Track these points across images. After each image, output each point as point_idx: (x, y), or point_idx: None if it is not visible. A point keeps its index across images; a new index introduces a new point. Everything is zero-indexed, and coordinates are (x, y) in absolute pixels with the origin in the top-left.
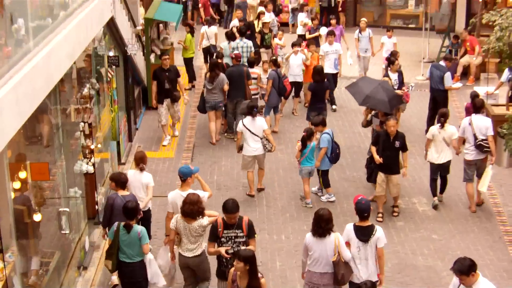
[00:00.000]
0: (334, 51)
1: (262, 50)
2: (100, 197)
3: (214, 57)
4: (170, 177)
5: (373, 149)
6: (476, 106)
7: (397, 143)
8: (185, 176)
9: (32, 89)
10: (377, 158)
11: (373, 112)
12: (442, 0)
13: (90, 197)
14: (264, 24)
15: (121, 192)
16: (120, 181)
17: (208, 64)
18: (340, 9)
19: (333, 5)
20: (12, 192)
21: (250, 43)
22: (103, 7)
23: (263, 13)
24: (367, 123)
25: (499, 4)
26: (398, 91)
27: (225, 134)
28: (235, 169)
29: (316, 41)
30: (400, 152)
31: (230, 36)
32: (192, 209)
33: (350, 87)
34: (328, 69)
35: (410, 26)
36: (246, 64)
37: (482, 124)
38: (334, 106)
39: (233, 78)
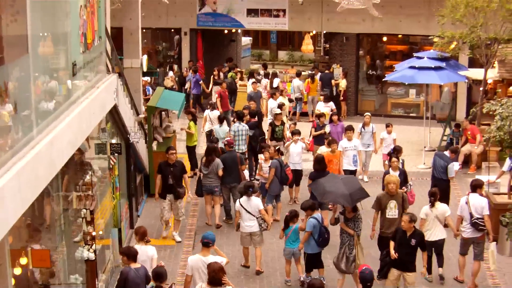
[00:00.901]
0: (353, 147)
1: (273, 143)
2: (101, 284)
3: (210, 141)
4: (171, 265)
5: (391, 244)
6: (472, 185)
7: (413, 241)
8: (212, 242)
9: (35, 176)
10: (393, 254)
11: (341, 209)
12: (442, 89)
13: (90, 284)
14: (275, 116)
15: (133, 265)
16: (131, 254)
17: (205, 148)
18: (341, 98)
19: (334, 94)
20: (13, 278)
21: (247, 126)
22: (106, 95)
23: (282, 107)
24: (335, 221)
25: (500, 93)
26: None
27: (224, 219)
28: (237, 257)
29: (321, 139)
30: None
31: (222, 120)
32: (215, 276)
33: (312, 184)
34: (347, 166)
35: (411, 115)
36: (243, 149)
37: (478, 204)
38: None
39: (226, 164)
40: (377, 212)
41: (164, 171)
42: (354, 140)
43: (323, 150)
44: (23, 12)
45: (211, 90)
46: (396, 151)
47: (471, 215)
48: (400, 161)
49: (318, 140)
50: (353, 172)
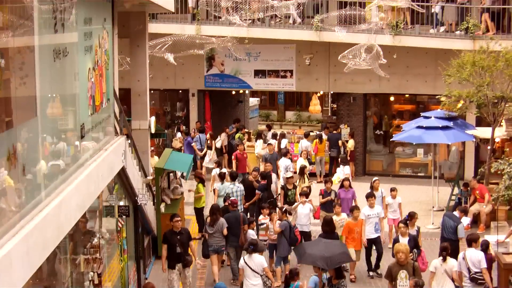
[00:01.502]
0: (375, 215)
1: (286, 206)
2: None
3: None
4: None
5: None
6: (468, 239)
7: None
8: None
9: (43, 239)
10: None
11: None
12: (450, 149)
13: None
14: (287, 179)
15: None
16: None
17: (209, 208)
18: (349, 158)
19: (342, 154)
20: None
21: (241, 187)
22: (114, 157)
23: (304, 169)
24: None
25: (507, 152)
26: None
27: (232, 281)
28: None
29: (329, 206)
30: None
31: (223, 177)
32: None
33: (296, 248)
34: (369, 234)
35: (419, 174)
36: (239, 209)
37: (475, 257)
38: (371, 273)
39: (230, 223)
40: (390, 282)
41: (171, 240)
42: (377, 207)
43: (345, 218)
44: (32, 75)
45: (205, 153)
46: (410, 217)
47: (469, 270)
48: (415, 228)
49: (326, 206)
50: (375, 240)
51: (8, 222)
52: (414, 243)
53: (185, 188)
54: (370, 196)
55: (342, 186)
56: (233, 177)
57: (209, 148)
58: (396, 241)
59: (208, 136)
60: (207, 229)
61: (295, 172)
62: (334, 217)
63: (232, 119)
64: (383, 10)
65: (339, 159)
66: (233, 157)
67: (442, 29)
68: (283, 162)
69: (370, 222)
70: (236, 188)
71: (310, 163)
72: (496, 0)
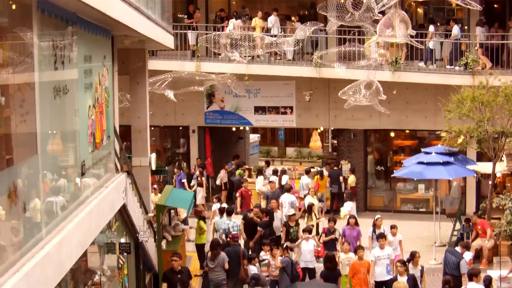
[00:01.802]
0: (386, 256)
1: (288, 243)
2: None
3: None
4: None
5: None
6: (468, 274)
7: None
8: None
9: (44, 277)
10: None
11: None
12: (451, 184)
13: None
14: (289, 217)
15: None
16: None
17: (210, 243)
18: None
19: (343, 190)
20: None
21: (238, 222)
22: (115, 194)
23: (312, 207)
24: None
25: (509, 187)
26: None
27: None
28: None
29: (332, 244)
30: None
31: (223, 212)
32: None
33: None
34: (381, 276)
35: (420, 210)
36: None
37: None
38: None
39: (230, 258)
40: None
41: (171, 279)
42: (387, 248)
43: (352, 257)
44: (32, 112)
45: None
46: (412, 257)
47: None
48: (419, 267)
49: (329, 245)
50: (387, 282)
51: (8, 260)
52: (413, 282)
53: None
54: (380, 237)
55: (347, 223)
56: (229, 213)
57: (200, 185)
58: (394, 280)
59: (197, 173)
60: (208, 264)
61: (299, 209)
62: (342, 255)
63: (233, 155)
64: (382, 46)
65: (345, 195)
66: (237, 194)
67: (432, 66)
68: (287, 198)
69: (381, 264)
70: (232, 224)
71: (320, 200)
72: (491, 36)
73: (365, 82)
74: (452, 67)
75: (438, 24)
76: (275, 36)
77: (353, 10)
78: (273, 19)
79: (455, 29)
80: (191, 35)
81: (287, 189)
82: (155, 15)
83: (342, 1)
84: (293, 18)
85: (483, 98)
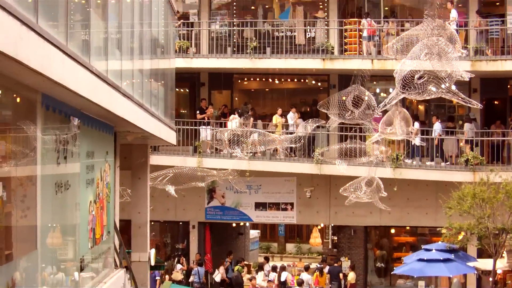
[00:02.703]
0: None
1: None
2: None
3: None
4: None
5: None
6: None
7: None
8: None
9: None
10: None
11: None
12: (452, 281)
13: None
14: None
15: None
16: None
17: None
18: None
19: (343, 287)
20: None
21: None
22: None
23: None
24: None
25: (509, 284)
26: None
27: None
28: None
29: None
30: None
31: None
32: None
33: None
34: None
35: None
36: None
37: None
38: None
39: None
40: None
41: None
42: None
43: None
44: (33, 208)
45: None
46: None
47: None
48: None
49: None
50: None
51: None
52: None
53: None
54: None
55: None
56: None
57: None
58: None
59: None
60: None
61: None
62: None
63: (233, 251)
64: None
65: None
66: None
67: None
68: None
69: None
70: None
71: None
72: (492, 133)
73: (366, 179)
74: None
75: (439, 120)
76: (291, 133)
77: (353, 108)
78: (292, 116)
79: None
80: (202, 131)
81: (299, 283)
82: (158, 111)
83: (344, 98)
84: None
85: (484, 194)
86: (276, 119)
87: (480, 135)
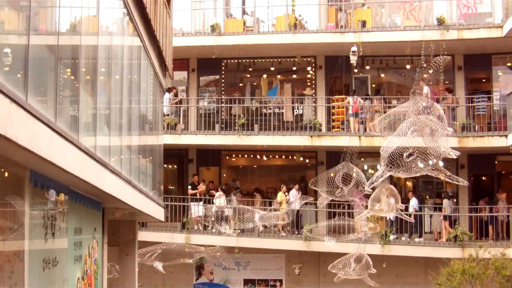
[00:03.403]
0: None
1: None
2: None
3: None
4: None
5: None
6: None
7: None
8: None
9: None
10: None
11: None
12: None
13: None
14: None
15: None
16: None
17: None
18: None
19: None
20: None
21: None
22: None
23: None
24: None
25: None
26: None
27: None
28: None
29: None
30: None
31: None
32: None
33: None
34: None
35: None
36: None
37: None
38: None
39: None
40: None
41: None
42: None
43: None
44: (21, 284)
45: None
46: None
47: None
48: None
49: None
50: None
51: None
52: None
53: None
54: None
55: None
56: None
57: None
58: None
59: None
60: None
61: None
62: None
63: None
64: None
65: None
66: None
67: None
68: None
69: None
70: None
71: None
72: (480, 209)
73: (355, 255)
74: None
75: (427, 197)
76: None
77: (342, 185)
78: (294, 193)
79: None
80: (194, 207)
81: None
82: (146, 187)
83: (332, 175)
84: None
85: (473, 271)
86: (281, 196)
87: (468, 211)
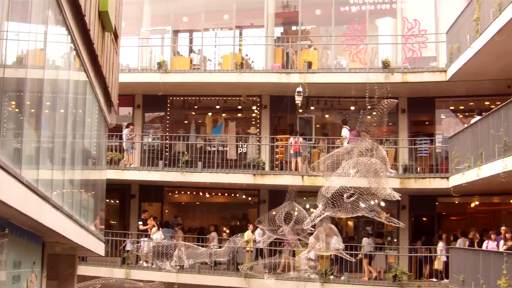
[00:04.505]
0: None
1: None
2: None
3: None
4: None
5: None
6: None
7: None
8: None
9: None
10: None
11: None
12: None
13: None
14: None
15: None
16: None
17: None
18: None
19: None
20: None
21: None
22: None
23: None
24: None
25: None
26: None
27: None
28: None
29: None
30: None
31: None
32: None
33: None
34: None
35: None
36: None
37: None
38: None
39: None
40: None
41: None
42: None
43: None
44: None
45: None
46: None
47: None
48: None
49: None
50: None
51: None
52: None
53: None
54: None
55: None
56: None
57: None
58: None
59: None
60: None
61: None
62: None
63: None
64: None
65: None
66: None
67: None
68: None
69: None
70: None
71: None
72: (417, 249)
73: None
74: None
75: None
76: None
77: (284, 224)
78: (260, 232)
79: None
80: (143, 243)
81: None
82: (87, 222)
83: (274, 213)
84: (225, 228)
85: None
86: (248, 235)
87: (408, 251)
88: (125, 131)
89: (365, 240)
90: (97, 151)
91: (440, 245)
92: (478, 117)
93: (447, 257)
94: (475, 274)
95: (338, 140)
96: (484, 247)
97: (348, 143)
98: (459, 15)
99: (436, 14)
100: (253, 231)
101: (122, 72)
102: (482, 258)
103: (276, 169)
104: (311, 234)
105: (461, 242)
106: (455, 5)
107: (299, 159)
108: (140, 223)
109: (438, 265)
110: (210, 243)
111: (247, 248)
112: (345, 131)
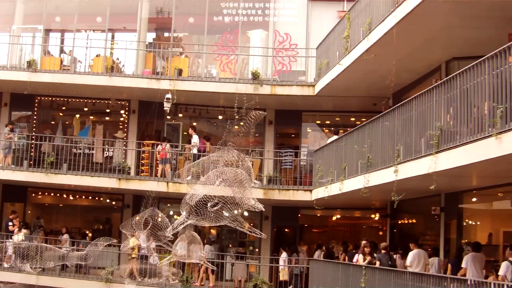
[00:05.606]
0: None
1: None
2: None
3: None
4: None
5: None
6: None
7: None
8: None
9: None
10: None
11: None
12: None
13: None
14: None
15: None
16: None
17: None
18: None
19: None
20: None
21: None
22: None
23: None
24: None
25: None
26: None
27: None
28: None
29: None
30: None
31: None
32: None
33: None
34: None
35: None
36: None
37: None
38: None
39: None
40: None
41: None
42: None
43: None
44: None
45: None
46: None
47: None
48: None
49: None
50: None
51: None
52: None
53: None
54: None
55: None
56: None
57: None
58: None
59: None
60: None
61: None
62: None
63: None
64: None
65: None
66: None
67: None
68: None
69: None
70: None
71: None
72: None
73: None
74: None
75: (230, 246)
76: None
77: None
78: (144, 238)
79: None
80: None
81: None
82: None
83: (137, 218)
84: (87, 231)
85: None
86: (133, 241)
87: (269, 261)
88: (5, 130)
89: (207, 247)
90: None
91: (283, 255)
92: (335, 136)
93: (307, 268)
94: (335, 286)
95: (187, 146)
96: (354, 260)
97: (198, 150)
98: (330, 31)
99: (308, 30)
100: (137, 238)
101: None
102: (341, 270)
103: (142, 174)
104: (172, 241)
105: (318, 254)
106: (327, 21)
107: (167, 166)
108: (10, 223)
109: (283, 276)
110: (62, 245)
111: (133, 255)
112: (195, 138)
